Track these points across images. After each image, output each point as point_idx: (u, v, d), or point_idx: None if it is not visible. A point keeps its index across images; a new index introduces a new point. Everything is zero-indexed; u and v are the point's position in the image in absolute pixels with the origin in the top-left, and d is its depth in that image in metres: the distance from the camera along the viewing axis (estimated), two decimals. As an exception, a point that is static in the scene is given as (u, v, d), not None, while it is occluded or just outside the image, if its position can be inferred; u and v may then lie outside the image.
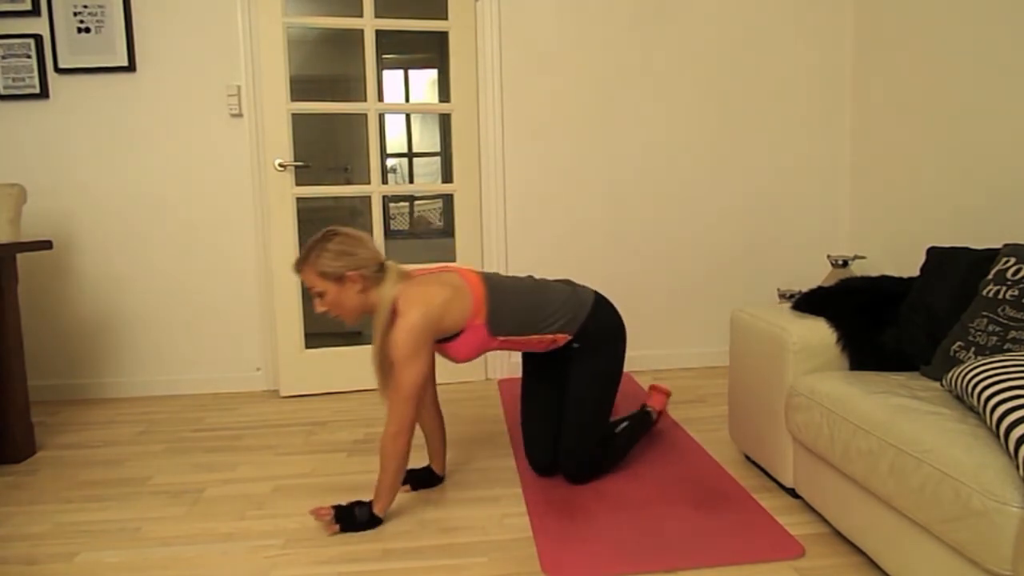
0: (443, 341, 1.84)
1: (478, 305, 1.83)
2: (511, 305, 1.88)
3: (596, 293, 2.05)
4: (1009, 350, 1.54)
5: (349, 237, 1.78)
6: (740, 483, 2.01)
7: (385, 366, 1.80)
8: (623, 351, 2.06)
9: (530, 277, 2.03)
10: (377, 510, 1.79)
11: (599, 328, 1.99)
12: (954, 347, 1.64)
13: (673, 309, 3.30)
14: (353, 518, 1.78)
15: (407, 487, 2.03)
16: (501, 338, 1.88)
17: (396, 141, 5.54)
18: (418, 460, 2.11)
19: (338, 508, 1.79)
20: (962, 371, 1.42)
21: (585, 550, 1.67)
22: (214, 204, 3.03)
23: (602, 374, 2.02)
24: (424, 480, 2.05)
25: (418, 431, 2.24)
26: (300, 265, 1.78)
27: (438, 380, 3.14)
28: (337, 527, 1.77)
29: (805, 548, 1.66)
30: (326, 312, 1.80)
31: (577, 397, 2.00)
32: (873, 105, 3.05)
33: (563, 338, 1.95)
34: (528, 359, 2.14)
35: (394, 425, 1.74)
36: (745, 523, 1.78)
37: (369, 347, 3.04)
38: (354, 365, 3.04)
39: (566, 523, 1.80)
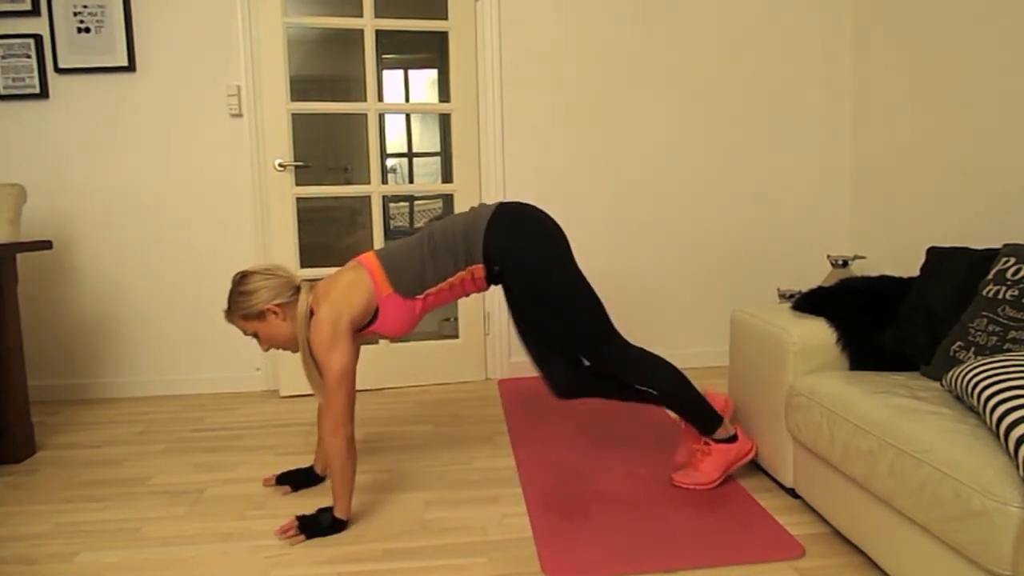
0: (369, 325, 1.83)
1: (378, 278, 1.81)
2: (409, 263, 1.83)
3: (499, 206, 1.87)
4: (1009, 350, 1.54)
5: (257, 274, 1.81)
6: (740, 483, 2.01)
7: (316, 375, 1.81)
8: (554, 255, 1.84)
9: (432, 223, 1.93)
10: (338, 513, 1.77)
11: (505, 244, 1.82)
12: (954, 347, 1.64)
13: (673, 309, 3.30)
14: (317, 524, 1.77)
15: (287, 488, 2.05)
16: (420, 297, 1.84)
17: (396, 141, 5.54)
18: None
19: (301, 518, 1.78)
20: (962, 371, 1.42)
21: (585, 550, 1.66)
22: (214, 204, 3.02)
23: (537, 292, 1.84)
24: (303, 480, 2.06)
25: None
26: (227, 316, 1.83)
27: (438, 380, 3.15)
28: (302, 536, 1.75)
29: (805, 548, 1.65)
30: (270, 348, 1.85)
31: (528, 321, 1.91)
32: (873, 105, 3.05)
33: (479, 269, 1.85)
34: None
35: (330, 420, 1.72)
36: (745, 523, 1.78)
37: (370, 347, 3.06)
38: (354, 365, 3.04)
39: (566, 523, 1.80)
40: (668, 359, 1.96)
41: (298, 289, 1.83)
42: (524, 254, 1.83)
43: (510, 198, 3.13)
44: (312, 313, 1.79)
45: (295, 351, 1.86)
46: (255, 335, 1.83)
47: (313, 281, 1.88)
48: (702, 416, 1.95)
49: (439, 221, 1.92)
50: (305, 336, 1.79)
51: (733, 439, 1.98)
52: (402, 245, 1.88)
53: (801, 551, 1.64)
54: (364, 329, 1.85)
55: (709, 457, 1.98)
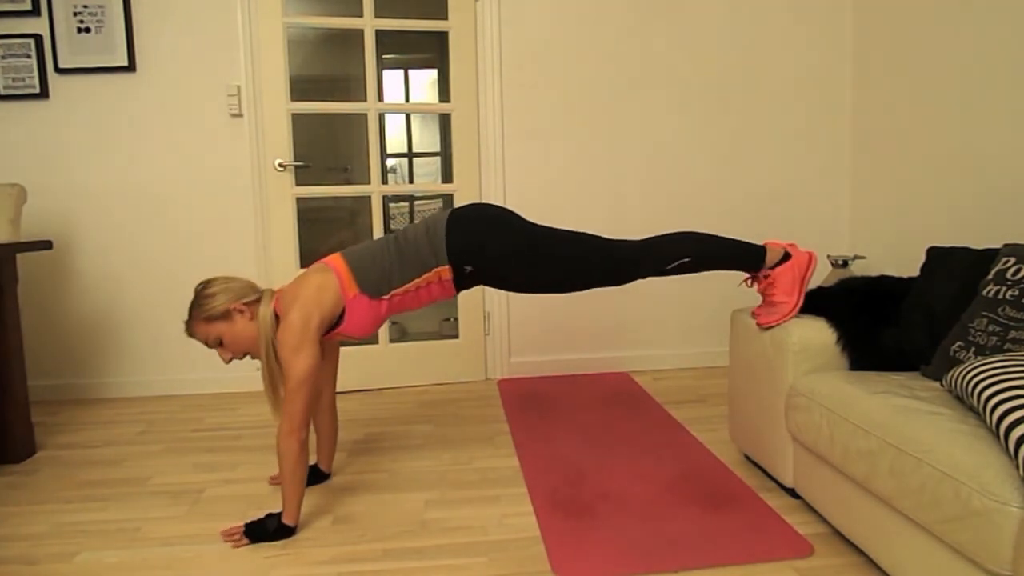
0: (334, 327, 1.82)
1: (344, 279, 1.80)
2: (374, 265, 1.83)
3: (453, 210, 1.89)
4: (1009, 350, 1.54)
5: (219, 279, 1.83)
6: (745, 482, 2.01)
7: (274, 383, 1.79)
8: (518, 228, 1.86)
9: (399, 231, 1.92)
10: (285, 519, 1.75)
11: (467, 242, 1.83)
12: (954, 347, 1.64)
13: (673, 309, 3.30)
14: (263, 529, 1.75)
15: None
16: (386, 298, 1.84)
17: (396, 141, 5.53)
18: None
19: (248, 524, 1.77)
20: (962, 371, 1.42)
21: (594, 550, 1.66)
22: (214, 204, 3.02)
23: (516, 265, 1.86)
24: (309, 478, 2.04)
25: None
26: (189, 325, 1.81)
27: (436, 380, 3.15)
28: (246, 540, 1.74)
29: (813, 546, 1.65)
30: (233, 358, 1.83)
31: (537, 290, 1.93)
32: (873, 105, 3.05)
33: (446, 271, 1.85)
34: None
35: (286, 422, 1.70)
36: (753, 522, 1.78)
37: (370, 347, 3.05)
38: (354, 365, 3.04)
39: (573, 523, 1.80)
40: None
41: (259, 293, 1.83)
42: (494, 244, 1.84)
43: (510, 199, 3.14)
44: (278, 318, 1.78)
45: (257, 356, 1.83)
46: (218, 342, 1.80)
47: (275, 288, 1.87)
48: (745, 258, 1.92)
49: (405, 227, 1.93)
50: (270, 339, 1.77)
51: (787, 256, 1.92)
52: (369, 246, 1.89)
53: (810, 549, 1.64)
54: (330, 332, 1.83)
55: (776, 285, 1.92)
